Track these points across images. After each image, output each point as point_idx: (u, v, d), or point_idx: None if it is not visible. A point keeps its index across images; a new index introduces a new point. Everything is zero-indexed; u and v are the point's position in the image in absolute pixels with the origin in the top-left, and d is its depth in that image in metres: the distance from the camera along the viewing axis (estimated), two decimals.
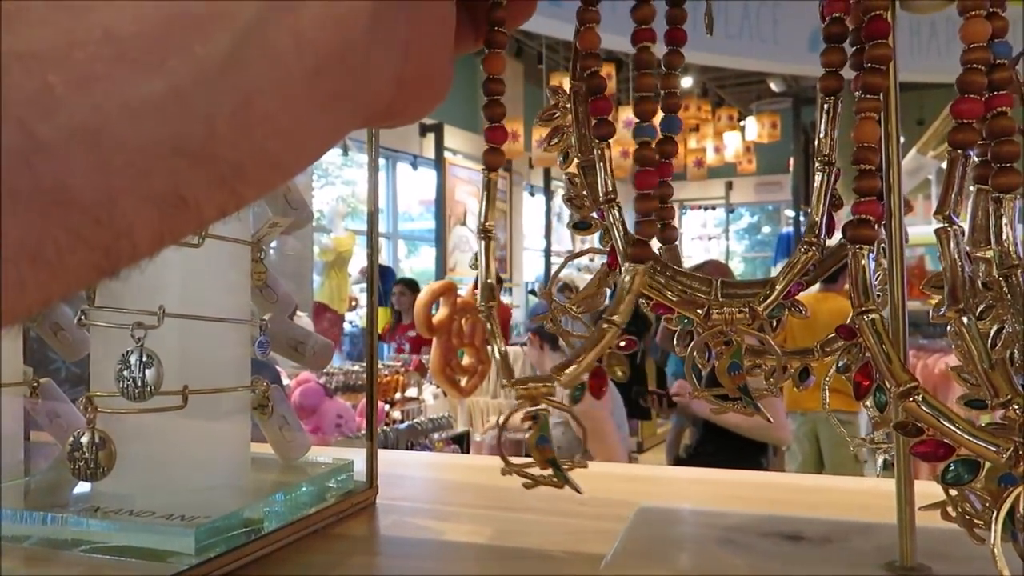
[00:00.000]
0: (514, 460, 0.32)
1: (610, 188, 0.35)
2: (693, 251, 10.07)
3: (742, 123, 7.87)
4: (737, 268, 9.41)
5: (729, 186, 9.63)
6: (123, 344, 0.37)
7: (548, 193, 8.28)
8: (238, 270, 0.41)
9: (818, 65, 0.32)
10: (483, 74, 0.34)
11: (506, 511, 0.46)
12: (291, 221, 0.43)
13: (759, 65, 5.47)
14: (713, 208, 9.95)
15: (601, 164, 0.35)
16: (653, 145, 0.35)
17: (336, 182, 6.35)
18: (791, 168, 8.41)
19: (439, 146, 6.71)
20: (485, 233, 0.34)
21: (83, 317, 0.38)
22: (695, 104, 7.34)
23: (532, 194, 8.24)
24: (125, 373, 0.36)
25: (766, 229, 10.18)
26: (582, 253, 0.38)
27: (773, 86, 7.57)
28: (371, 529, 0.42)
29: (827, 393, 0.42)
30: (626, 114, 5.20)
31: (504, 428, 0.34)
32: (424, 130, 6.59)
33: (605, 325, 0.31)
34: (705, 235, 10.23)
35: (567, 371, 0.32)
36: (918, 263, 5.04)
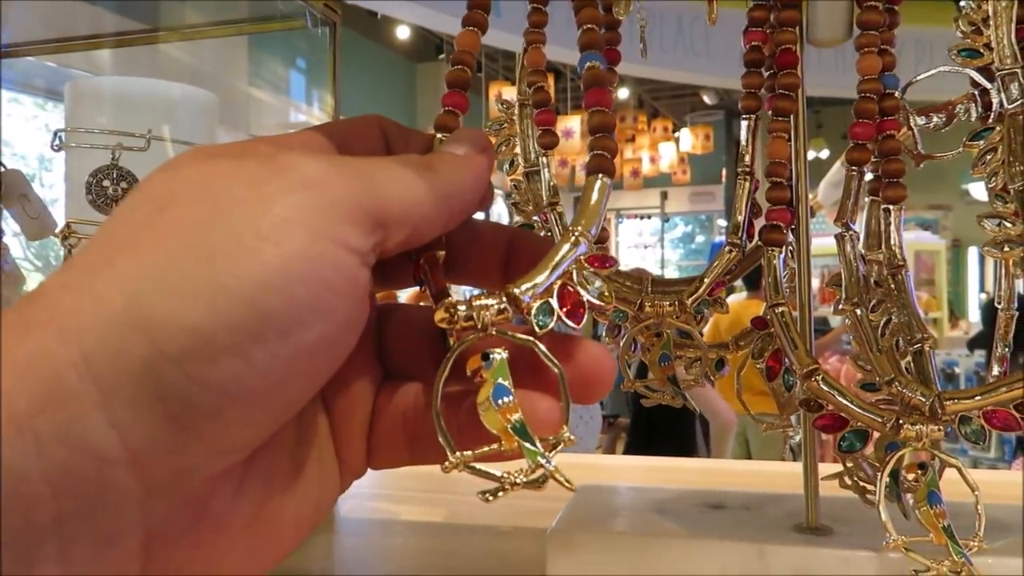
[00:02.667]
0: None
1: (554, 193, 0.38)
2: (630, 259, 10.24)
3: (677, 134, 8.06)
4: (672, 276, 9.62)
5: (664, 196, 9.83)
6: None
7: None
8: None
9: None
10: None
11: (456, 494, 0.49)
12: None
13: (692, 78, 5.63)
14: (649, 217, 10.14)
15: (545, 171, 0.39)
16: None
17: None
18: (724, 179, 8.64)
19: None
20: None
21: None
22: (631, 115, 7.49)
23: None
24: None
25: (700, 238, 10.43)
26: None
27: (706, 99, 7.77)
28: (331, 512, 0.45)
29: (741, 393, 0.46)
30: (563, 124, 5.30)
31: (439, 390, 0.22)
32: None
33: (572, 235, 0.23)
34: (641, 244, 10.42)
35: (529, 282, 0.22)
36: None
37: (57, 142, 0.42)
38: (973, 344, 3.59)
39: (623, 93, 7.78)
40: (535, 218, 0.40)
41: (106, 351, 0.16)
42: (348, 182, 0.20)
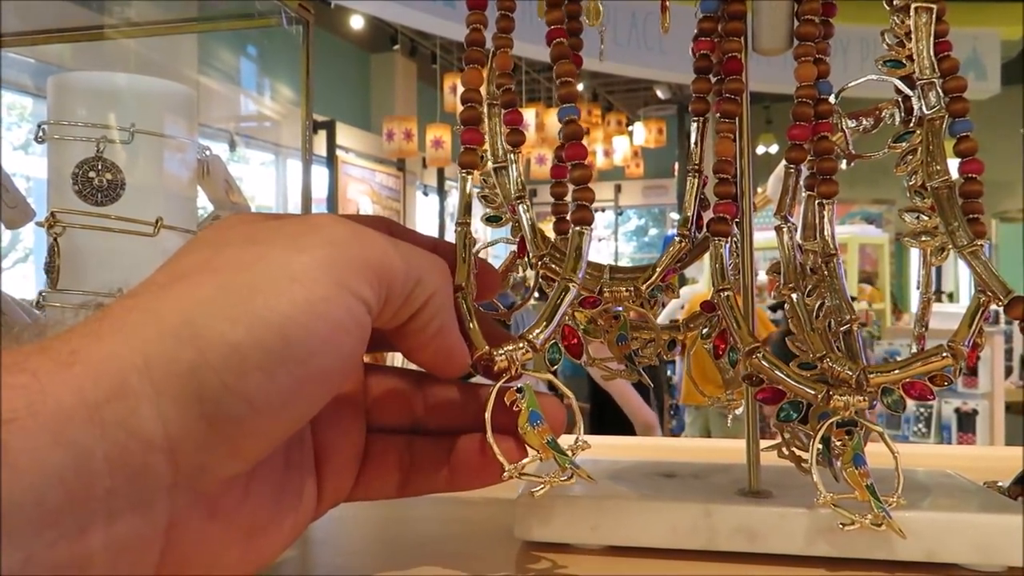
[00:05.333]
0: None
1: (521, 187, 0.41)
2: None
3: (630, 128, 8.15)
4: None
5: (618, 189, 9.94)
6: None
7: (441, 193, 8.32)
8: None
9: None
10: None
11: None
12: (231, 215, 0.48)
13: (646, 73, 5.71)
14: (603, 210, 10.25)
15: (513, 166, 0.42)
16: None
17: None
18: (676, 173, 8.76)
19: (331, 143, 6.64)
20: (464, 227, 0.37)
21: (42, 299, 0.42)
22: (585, 108, 7.55)
23: (426, 194, 8.26)
24: None
25: (653, 231, 10.57)
26: (496, 242, 0.45)
27: (659, 93, 7.87)
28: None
29: (692, 372, 0.51)
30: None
31: (489, 420, 0.29)
32: (315, 127, 6.50)
33: (567, 283, 0.33)
34: (595, 236, 10.52)
35: (542, 330, 0.31)
36: None
37: (40, 134, 0.43)
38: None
39: (578, 87, 7.84)
40: (503, 210, 0.43)
41: (161, 357, 0.20)
42: (366, 244, 0.24)
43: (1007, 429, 3.56)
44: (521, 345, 0.31)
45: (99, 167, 0.41)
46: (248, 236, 0.24)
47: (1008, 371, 4.26)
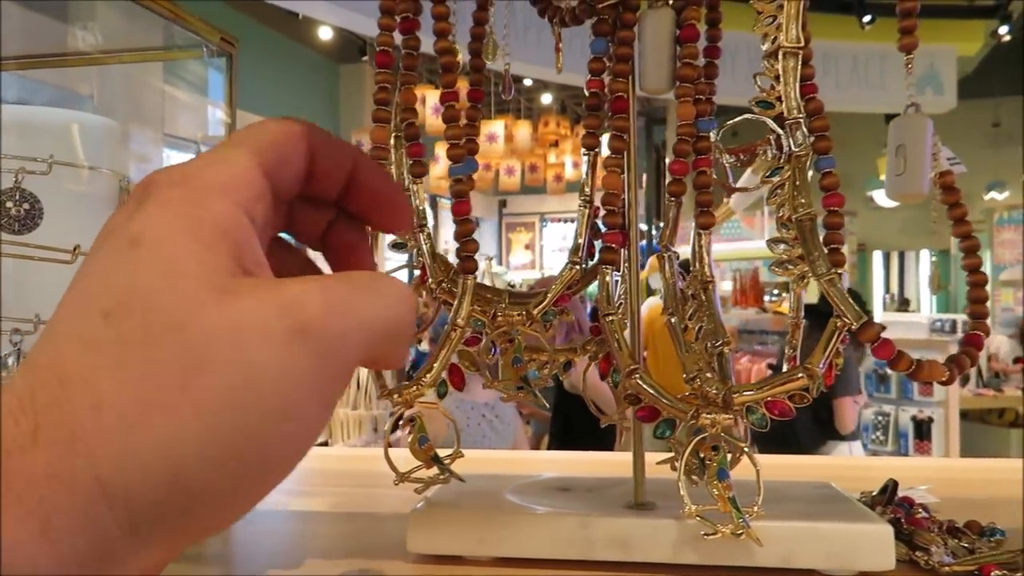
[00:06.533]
0: None
1: (422, 216, 0.44)
2: (554, 263, 10.35)
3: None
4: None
5: None
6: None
7: None
8: None
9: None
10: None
11: (360, 487, 0.53)
12: None
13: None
14: (572, 221, 10.29)
15: (414, 197, 0.44)
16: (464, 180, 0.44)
17: None
18: (644, 184, 8.83)
19: None
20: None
21: None
22: (554, 120, 7.59)
23: None
24: (3, 373, 0.42)
25: None
26: (397, 269, 0.47)
27: None
28: None
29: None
30: (487, 128, 5.38)
31: (388, 438, 0.41)
32: None
33: (452, 330, 0.41)
34: (565, 247, 10.56)
35: (429, 375, 0.40)
36: (753, 275, 5.44)
37: None
38: None
39: (546, 99, 7.90)
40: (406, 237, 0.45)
41: (144, 501, 0.19)
42: (363, 342, 0.22)
43: (962, 436, 3.64)
44: (416, 389, 0.40)
45: (16, 197, 0.43)
46: (232, 349, 0.20)
47: (964, 379, 4.35)
